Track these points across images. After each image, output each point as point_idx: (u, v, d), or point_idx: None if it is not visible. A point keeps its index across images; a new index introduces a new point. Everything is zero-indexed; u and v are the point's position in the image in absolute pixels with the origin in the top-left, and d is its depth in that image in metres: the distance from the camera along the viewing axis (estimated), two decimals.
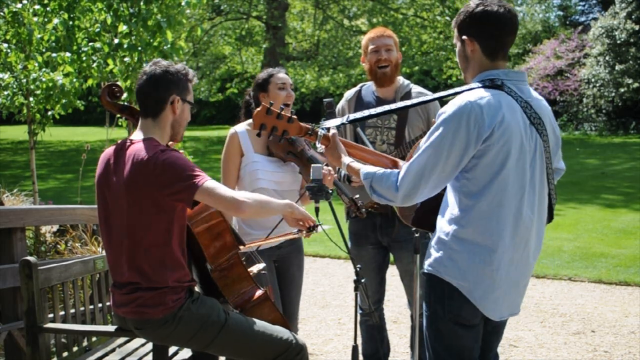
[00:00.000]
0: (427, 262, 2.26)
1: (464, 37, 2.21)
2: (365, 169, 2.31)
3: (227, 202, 2.34)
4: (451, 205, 2.20)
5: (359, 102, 3.39)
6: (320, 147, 2.49)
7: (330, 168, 2.94)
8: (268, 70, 3.23)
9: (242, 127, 3.18)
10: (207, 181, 2.35)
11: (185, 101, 2.53)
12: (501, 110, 2.09)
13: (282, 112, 2.45)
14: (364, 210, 3.00)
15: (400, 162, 2.44)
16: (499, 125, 2.07)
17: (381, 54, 3.28)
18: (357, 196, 3.00)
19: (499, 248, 2.13)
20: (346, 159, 2.42)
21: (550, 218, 2.36)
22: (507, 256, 2.15)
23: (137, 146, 2.41)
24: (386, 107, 2.53)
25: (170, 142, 2.67)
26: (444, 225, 2.21)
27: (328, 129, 2.49)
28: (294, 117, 2.48)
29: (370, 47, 3.32)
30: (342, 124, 2.56)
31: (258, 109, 2.46)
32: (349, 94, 3.48)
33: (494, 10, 2.15)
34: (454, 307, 2.19)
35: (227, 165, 3.16)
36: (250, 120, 3.22)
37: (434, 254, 2.22)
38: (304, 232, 2.59)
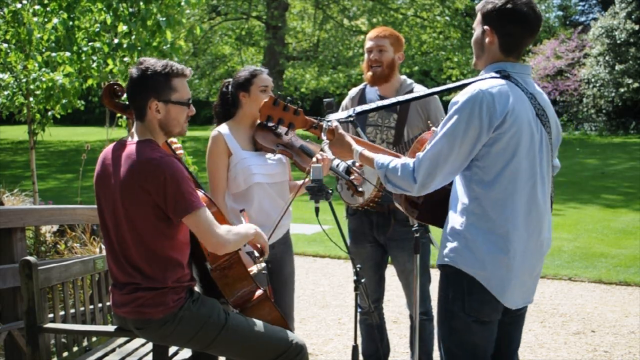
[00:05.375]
0: (442, 253, 2.23)
1: (486, 27, 2.22)
2: (378, 158, 2.32)
3: (212, 238, 2.36)
4: (462, 196, 2.20)
5: (362, 101, 3.41)
6: (326, 140, 2.51)
7: (325, 154, 2.93)
8: (250, 68, 3.14)
9: (224, 127, 3.12)
10: (202, 207, 2.34)
11: (169, 102, 2.40)
12: (511, 99, 2.12)
13: (289, 105, 2.50)
14: (361, 189, 2.98)
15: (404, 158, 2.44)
16: (511, 114, 2.10)
17: (373, 54, 3.30)
18: (353, 177, 2.98)
19: (514, 236, 2.14)
20: (358, 147, 2.43)
21: None
22: (521, 244, 2.16)
23: (135, 147, 2.39)
24: (392, 100, 2.58)
25: (171, 140, 2.67)
26: (456, 217, 2.20)
27: (332, 122, 2.52)
28: (300, 109, 2.53)
29: (366, 46, 3.36)
30: (349, 116, 2.60)
31: (265, 100, 2.52)
32: (353, 91, 3.50)
33: (523, 10, 2.16)
34: (474, 302, 2.18)
35: (215, 167, 3.08)
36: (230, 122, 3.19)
37: (450, 244, 2.21)
38: (257, 256, 2.67)
